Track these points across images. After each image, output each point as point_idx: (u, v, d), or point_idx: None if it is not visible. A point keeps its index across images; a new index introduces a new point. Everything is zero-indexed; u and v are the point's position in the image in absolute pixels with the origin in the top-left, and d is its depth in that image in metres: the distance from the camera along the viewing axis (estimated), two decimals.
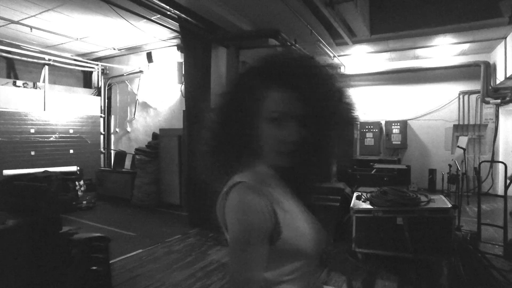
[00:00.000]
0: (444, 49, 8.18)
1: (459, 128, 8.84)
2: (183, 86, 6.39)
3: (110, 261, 3.81)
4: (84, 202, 6.54)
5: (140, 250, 4.25)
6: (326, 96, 0.84)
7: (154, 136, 7.26)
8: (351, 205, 3.88)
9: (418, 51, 8.43)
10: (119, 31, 6.76)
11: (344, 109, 0.88)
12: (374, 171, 5.54)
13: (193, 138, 5.67)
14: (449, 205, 3.67)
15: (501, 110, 8.60)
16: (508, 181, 4.48)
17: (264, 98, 0.82)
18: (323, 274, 3.19)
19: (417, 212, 3.66)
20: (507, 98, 8.15)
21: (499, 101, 8.33)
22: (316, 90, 0.82)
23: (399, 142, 9.14)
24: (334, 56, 8.34)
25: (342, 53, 8.44)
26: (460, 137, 7.79)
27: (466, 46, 7.98)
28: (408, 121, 9.32)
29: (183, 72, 5.98)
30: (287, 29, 6.28)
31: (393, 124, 9.20)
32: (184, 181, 6.15)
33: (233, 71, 6.81)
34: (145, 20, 5.86)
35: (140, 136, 7.97)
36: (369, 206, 3.80)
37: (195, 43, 5.92)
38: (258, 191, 0.79)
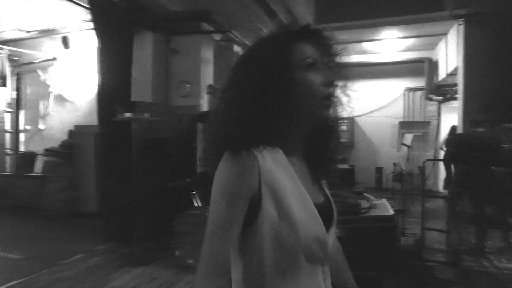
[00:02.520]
0: (391, 44, 8.00)
1: (405, 125, 8.76)
2: None
3: None
4: None
5: (15, 282, 3.30)
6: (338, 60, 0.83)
7: (70, 134, 6.22)
8: None
9: (366, 46, 8.16)
10: (22, 8, 5.60)
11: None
12: None
13: (108, 136, 4.77)
14: (391, 212, 3.21)
15: (443, 107, 8.63)
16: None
17: (292, 51, 0.75)
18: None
19: (356, 222, 3.14)
20: (448, 95, 8.16)
21: (441, 98, 8.34)
22: (332, 50, 0.82)
23: (347, 140, 8.86)
24: None
25: None
26: (405, 134, 7.66)
27: (411, 41, 7.84)
28: (356, 118, 9.08)
29: (97, 60, 5.02)
30: (222, 12, 5.57)
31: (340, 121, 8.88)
32: (100, 185, 5.23)
33: (163, 59, 5.98)
34: None
35: (56, 135, 6.83)
36: None
37: (112, 26, 4.99)
38: (247, 154, 0.71)
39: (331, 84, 0.78)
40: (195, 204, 4.52)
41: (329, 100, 0.79)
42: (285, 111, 0.74)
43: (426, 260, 3.77)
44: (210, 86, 6.00)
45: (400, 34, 7.35)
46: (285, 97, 0.74)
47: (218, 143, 0.75)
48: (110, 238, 4.60)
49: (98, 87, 4.94)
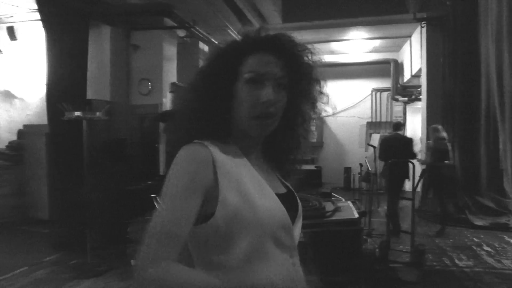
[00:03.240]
0: (358, 45, 8.08)
1: (372, 126, 8.88)
2: None
3: None
4: None
5: None
6: (306, 69, 0.81)
7: (19, 134, 5.73)
8: None
9: (334, 46, 8.19)
10: None
11: (317, 95, 0.85)
12: None
13: (58, 137, 4.38)
14: (356, 215, 3.13)
15: (408, 108, 8.84)
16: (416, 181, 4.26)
17: (242, 63, 0.77)
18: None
19: (320, 225, 3.03)
20: (413, 96, 8.36)
21: (406, 99, 8.52)
22: (296, 59, 0.79)
23: (315, 140, 8.86)
24: None
25: None
26: (372, 135, 7.74)
27: (377, 42, 7.95)
28: (325, 118, 9.10)
29: (46, 54, 4.61)
30: (185, 8, 5.33)
31: None
32: (51, 190, 4.82)
33: (122, 55, 5.64)
34: None
35: (3, 135, 6.25)
36: None
37: (62, 17, 4.58)
38: (202, 145, 0.74)
39: (268, 104, 0.74)
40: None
41: (257, 120, 0.75)
42: (223, 118, 0.77)
43: (390, 261, 3.75)
44: (173, 84, 5.74)
45: (367, 35, 7.43)
46: (222, 106, 0.77)
47: (175, 140, 0.79)
48: (62, 247, 4.24)
49: (48, 84, 4.54)
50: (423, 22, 6.40)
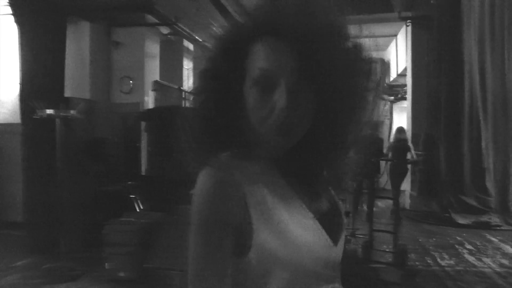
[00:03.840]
0: None
1: None
2: None
3: None
4: None
5: None
6: (340, 53, 0.59)
7: None
8: None
9: None
10: None
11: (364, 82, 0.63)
12: None
13: (30, 136, 4.22)
14: None
15: (394, 107, 8.87)
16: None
17: (247, 54, 0.59)
18: None
19: None
20: (399, 96, 8.39)
21: (392, 97, 8.56)
22: (326, 43, 0.56)
23: None
24: None
25: None
26: None
27: (364, 41, 7.94)
28: None
29: (19, 51, 4.44)
30: (167, 3, 5.21)
31: None
32: (25, 191, 4.65)
33: (103, 52, 5.49)
34: None
35: None
36: None
37: (36, 12, 4.41)
38: (228, 174, 0.59)
39: (283, 114, 0.56)
40: (137, 209, 4.15)
41: (271, 135, 0.58)
42: (239, 125, 0.63)
43: (373, 262, 3.71)
44: (156, 82, 5.62)
45: (353, 33, 7.40)
46: (234, 112, 0.62)
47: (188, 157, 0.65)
48: (35, 250, 4.09)
49: (21, 82, 4.37)
50: (408, 21, 6.40)
